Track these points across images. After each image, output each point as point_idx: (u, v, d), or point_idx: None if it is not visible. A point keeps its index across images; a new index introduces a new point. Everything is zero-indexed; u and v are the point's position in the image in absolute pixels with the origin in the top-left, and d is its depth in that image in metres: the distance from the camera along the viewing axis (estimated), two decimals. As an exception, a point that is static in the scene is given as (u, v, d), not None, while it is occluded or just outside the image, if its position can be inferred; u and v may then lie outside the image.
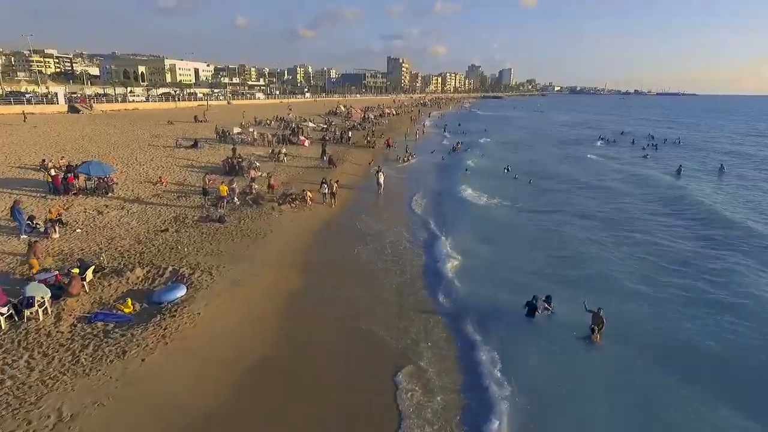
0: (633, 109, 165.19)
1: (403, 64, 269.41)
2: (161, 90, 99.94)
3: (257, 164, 26.80)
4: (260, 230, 16.99)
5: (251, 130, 40.70)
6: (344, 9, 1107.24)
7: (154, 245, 14.89)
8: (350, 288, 13.17)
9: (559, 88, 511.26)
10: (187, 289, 11.65)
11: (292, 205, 20.14)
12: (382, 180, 24.52)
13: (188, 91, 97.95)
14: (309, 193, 20.92)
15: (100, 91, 78.80)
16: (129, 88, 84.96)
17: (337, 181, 22.06)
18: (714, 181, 32.51)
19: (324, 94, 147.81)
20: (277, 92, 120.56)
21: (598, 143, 54.29)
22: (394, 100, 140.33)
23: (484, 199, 25.10)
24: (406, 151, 38.45)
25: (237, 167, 25.83)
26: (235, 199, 20.08)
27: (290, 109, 70.43)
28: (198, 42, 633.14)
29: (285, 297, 12.33)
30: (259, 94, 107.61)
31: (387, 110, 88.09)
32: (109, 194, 19.82)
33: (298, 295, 12.52)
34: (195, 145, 32.73)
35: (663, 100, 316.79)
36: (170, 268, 12.95)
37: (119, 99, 68.66)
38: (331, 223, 19.20)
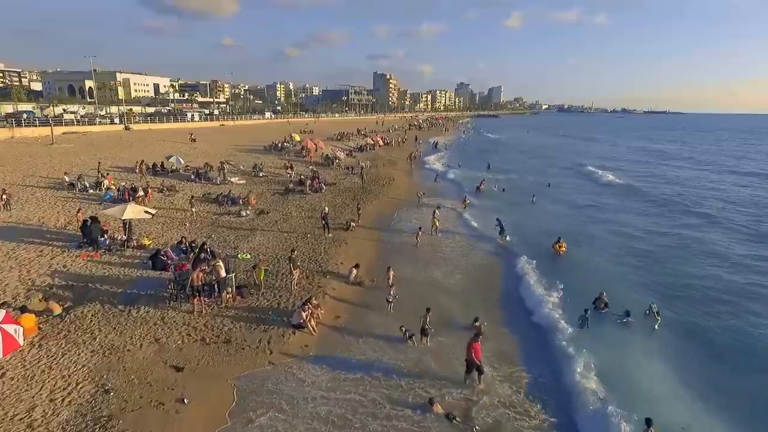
0: (652, 130, 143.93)
1: (391, 81, 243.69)
2: (63, 109, 70.04)
3: None
4: None
5: None
6: (331, 30, 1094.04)
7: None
8: None
9: (546, 106, 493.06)
10: None
11: None
12: None
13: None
14: None
15: None
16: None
17: None
18: None
19: (293, 114, 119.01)
20: (216, 112, 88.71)
21: None
22: (377, 121, 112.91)
23: None
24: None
25: None
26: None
27: (193, 140, 41.74)
28: (183, 61, 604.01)
29: None
30: (193, 114, 77.59)
31: (370, 138, 58.77)
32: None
33: None
34: None
35: (656, 119, 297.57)
36: None
37: None
38: None
